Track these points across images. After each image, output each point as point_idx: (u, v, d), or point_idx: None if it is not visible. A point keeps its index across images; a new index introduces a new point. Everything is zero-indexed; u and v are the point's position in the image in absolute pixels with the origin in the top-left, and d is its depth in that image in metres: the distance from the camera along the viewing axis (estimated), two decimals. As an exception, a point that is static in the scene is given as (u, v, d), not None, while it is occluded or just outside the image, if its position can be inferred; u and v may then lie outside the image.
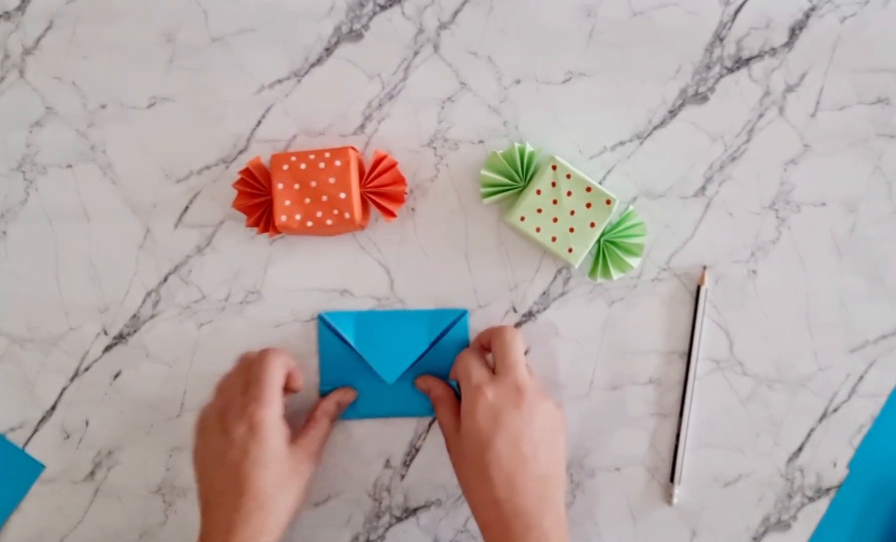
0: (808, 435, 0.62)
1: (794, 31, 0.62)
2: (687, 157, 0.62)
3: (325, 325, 0.61)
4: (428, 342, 0.61)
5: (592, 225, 0.59)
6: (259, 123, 0.62)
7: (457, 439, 0.56)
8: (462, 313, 0.61)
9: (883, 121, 0.61)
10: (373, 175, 0.60)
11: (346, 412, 0.62)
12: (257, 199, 0.60)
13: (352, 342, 0.61)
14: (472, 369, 0.56)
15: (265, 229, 0.60)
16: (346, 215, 0.58)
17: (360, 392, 0.62)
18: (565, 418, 0.57)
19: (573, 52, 0.62)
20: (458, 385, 0.58)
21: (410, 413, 0.62)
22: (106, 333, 0.63)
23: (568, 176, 0.59)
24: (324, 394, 0.62)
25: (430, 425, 0.63)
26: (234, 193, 0.61)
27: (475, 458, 0.53)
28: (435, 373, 0.61)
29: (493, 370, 0.56)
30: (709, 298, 0.62)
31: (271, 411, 0.54)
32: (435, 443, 0.62)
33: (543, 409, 0.55)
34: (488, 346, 0.58)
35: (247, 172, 0.60)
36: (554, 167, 0.59)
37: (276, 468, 0.54)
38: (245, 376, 0.57)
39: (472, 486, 0.54)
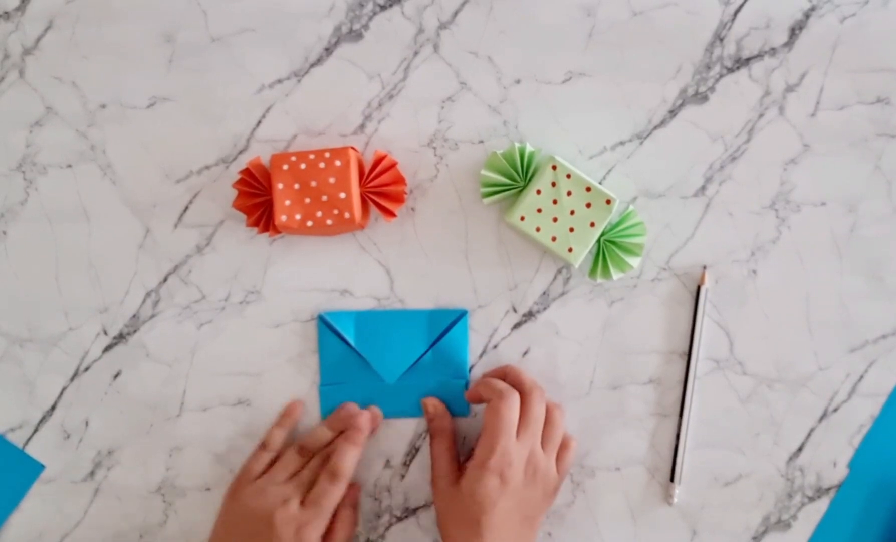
0: (809, 435, 0.62)
1: (794, 31, 0.62)
2: (687, 157, 0.62)
3: (325, 325, 0.61)
4: (428, 343, 0.61)
5: (592, 225, 0.59)
6: (259, 122, 0.62)
7: (450, 487, 0.57)
8: (462, 313, 0.61)
9: (883, 121, 0.61)
10: (373, 175, 0.60)
11: None
12: (257, 199, 0.60)
13: (352, 342, 0.61)
14: (507, 425, 0.56)
15: (265, 229, 0.60)
16: (346, 215, 0.58)
17: (361, 392, 0.61)
18: (557, 494, 0.59)
19: (573, 52, 0.62)
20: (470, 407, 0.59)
21: (410, 414, 0.62)
22: (106, 333, 0.63)
23: (568, 176, 0.59)
24: (324, 395, 0.61)
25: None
26: (234, 192, 0.61)
27: (471, 518, 0.55)
28: (433, 374, 0.61)
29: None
30: (709, 297, 0.62)
31: (316, 533, 0.55)
32: (435, 443, 0.62)
33: (543, 486, 0.57)
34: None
35: (247, 172, 0.60)
36: (554, 167, 0.59)
37: None
38: (311, 474, 0.58)
39: (454, 538, 0.56)
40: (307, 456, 0.59)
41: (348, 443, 0.58)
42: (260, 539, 0.55)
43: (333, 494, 0.56)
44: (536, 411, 0.57)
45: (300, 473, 0.58)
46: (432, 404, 0.61)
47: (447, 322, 0.61)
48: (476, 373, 0.62)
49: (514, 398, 0.57)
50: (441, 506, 0.58)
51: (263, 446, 0.60)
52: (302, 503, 0.56)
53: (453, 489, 0.57)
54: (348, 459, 0.57)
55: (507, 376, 0.60)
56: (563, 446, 0.59)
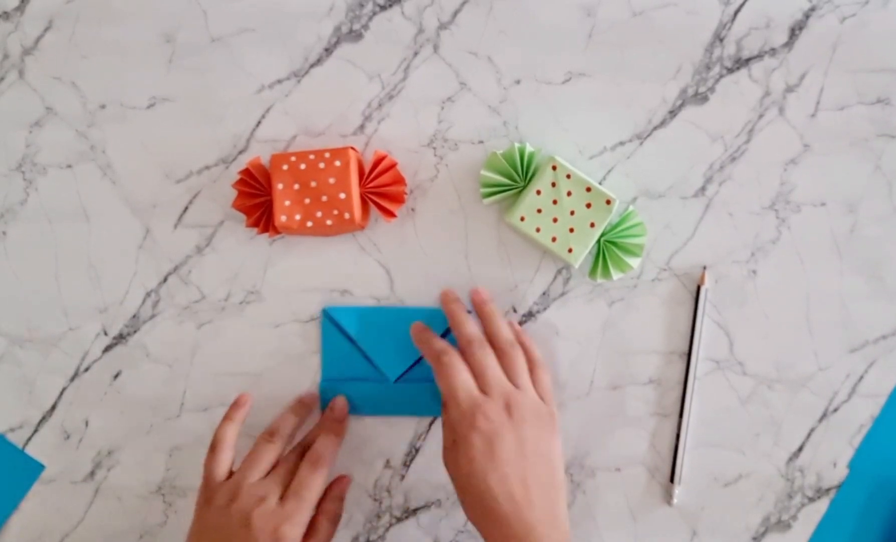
0: (808, 435, 0.62)
1: (794, 32, 0.62)
2: (687, 157, 0.62)
3: (329, 320, 0.61)
4: None
5: (592, 225, 0.59)
6: (259, 123, 0.62)
7: (454, 455, 0.54)
8: None
9: (883, 121, 0.61)
10: (373, 175, 0.60)
11: (349, 410, 0.61)
12: (257, 199, 0.60)
13: (354, 337, 0.61)
14: (458, 390, 0.54)
15: (265, 230, 0.60)
16: (346, 216, 0.58)
17: (362, 390, 0.61)
18: (555, 418, 0.56)
19: (573, 53, 0.62)
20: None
21: (411, 412, 0.62)
22: (106, 333, 0.63)
23: (568, 176, 0.59)
24: (324, 390, 0.61)
25: (430, 425, 0.63)
26: (234, 193, 0.61)
27: (475, 486, 0.52)
28: (425, 379, 0.61)
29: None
30: (709, 298, 0.62)
31: (297, 531, 0.53)
32: (435, 443, 0.62)
33: (534, 419, 0.54)
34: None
35: (246, 172, 0.60)
36: (554, 167, 0.59)
37: None
38: (285, 475, 0.55)
39: (475, 509, 0.53)
40: (278, 447, 0.57)
41: (328, 431, 0.58)
42: (232, 532, 0.52)
43: (315, 483, 0.54)
44: (479, 356, 0.55)
45: (276, 468, 0.56)
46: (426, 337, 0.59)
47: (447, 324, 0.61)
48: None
49: (449, 358, 0.55)
50: (452, 473, 0.54)
51: (269, 435, 0.57)
52: (281, 498, 0.53)
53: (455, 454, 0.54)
54: (330, 445, 0.56)
55: (453, 318, 0.58)
56: (533, 369, 0.57)
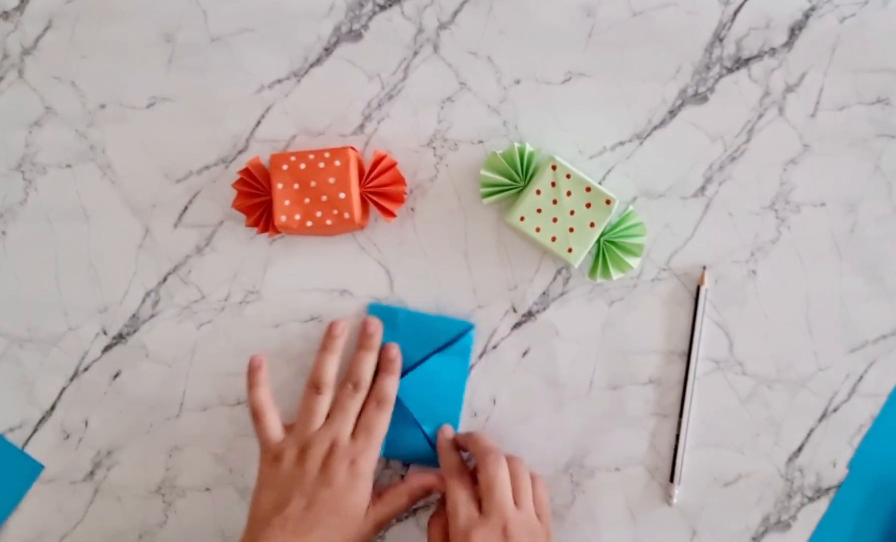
0: (808, 435, 0.62)
1: (794, 32, 0.62)
2: (687, 157, 0.62)
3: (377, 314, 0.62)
4: (429, 351, 0.61)
5: (592, 225, 0.59)
6: (258, 123, 0.62)
7: None
8: (468, 328, 0.61)
9: (883, 121, 0.61)
10: (372, 175, 0.60)
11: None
12: (257, 199, 0.60)
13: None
14: (459, 508, 0.54)
15: (265, 229, 0.60)
16: (346, 215, 0.58)
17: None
18: (552, 538, 0.56)
19: (573, 53, 0.62)
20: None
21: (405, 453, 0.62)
22: (105, 333, 0.63)
23: (568, 176, 0.59)
24: None
25: (429, 425, 0.63)
26: (234, 193, 0.61)
27: None
28: (427, 385, 0.61)
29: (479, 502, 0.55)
30: (708, 298, 0.62)
31: (373, 468, 0.55)
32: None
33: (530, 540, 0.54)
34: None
35: (246, 172, 0.60)
36: (554, 167, 0.59)
37: (352, 526, 0.54)
38: (345, 418, 0.57)
39: None
40: (328, 396, 0.58)
41: (384, 370, 0.59)
42: (312, 484, 0.54)
43: (383, 422, 0.57)
44: (492, 471, 0.55)
45: (332, 413, 0.57)
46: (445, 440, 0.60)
47: (452, 334, 0.61)
48: (475, 375, 0.62)
49: (457, 479, 0.56)
50: None
51: (316, 388, 0.58)
52: (351, 435, 0.56)
53: None
54: (392, 384, 0.59)
55: (463, 445, 0.59)
56: (534, 485, 0.57)
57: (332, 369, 0.59)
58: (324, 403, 0.58)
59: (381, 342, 0.61)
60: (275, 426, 0.57)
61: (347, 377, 0.59)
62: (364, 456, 0.56)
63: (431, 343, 0.61)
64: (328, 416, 0.58)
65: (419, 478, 0.59)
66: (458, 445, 0.60)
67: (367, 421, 0.57)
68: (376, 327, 0.60)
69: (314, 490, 0.54)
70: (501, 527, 0.53)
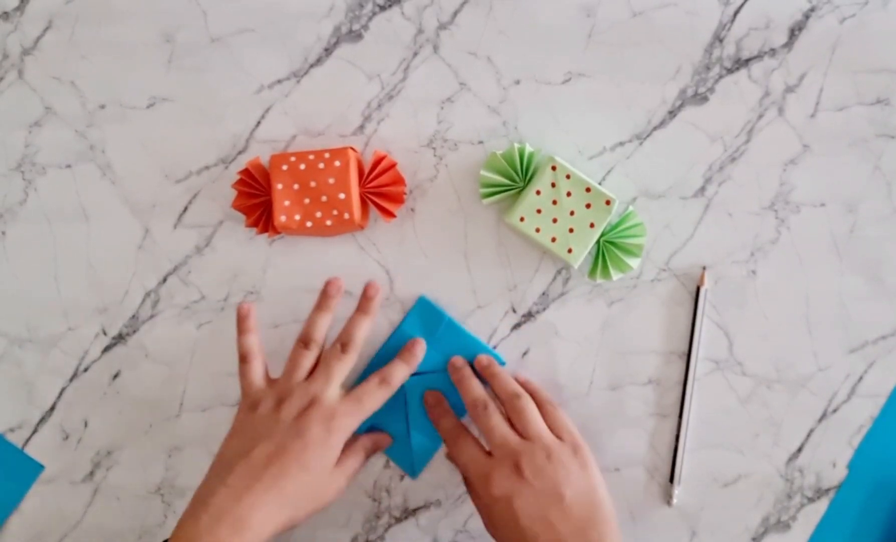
0: (808, 435, 0.62)
1: (794, 32, 0.62)
2: (686, 157, 0.62)
3: (421, 310, 0.62)
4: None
5: (592, 225, 0.59)
6: (258, 123, 0.62)
7: (489, 528, 0.55)
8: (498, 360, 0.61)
9: (882, 121, 0.61)
10: (372, 175, 0.60)
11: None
12: (256, 199, 0.60)
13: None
14: (468, 466, 0.56)
15: (264, 230, 0.60)
16: (346, 216, 0.58)
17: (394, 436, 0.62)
18: (582, 450, 0.56)
19: (573, 53, 0.62)
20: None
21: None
22: (105, 333, 0.63)
23: (567, 176, 0.59)
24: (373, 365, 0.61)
25: (429, 425, 0.63)
26: (234, 193, 0.61)
27: (500, 529, 0.54)
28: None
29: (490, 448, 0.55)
30: (708, 298, 0.62)
31: (349, 430, 0.55)
32: (434, 443, 0.62)
33: (553, 465, 0.54)
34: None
35: (246, 172, 0.60)
36: (553, 168, 0.59)
37: (316, 481, 0.53)
38: (330, 372, 0.56)
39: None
40: (315, 352, 0.57)
41: (400, 358, 0.59)
42: (275, 422, 0.53)
43: (377, 398, 0.56)
44: (483, 419, 0.56)
45: (318, 366, 0.56)
46: (433, 395, 0.61)
47: (420, 319, 0.61)
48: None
49: (455, 435, 0.57)
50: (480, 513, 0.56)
51: (304, 343, 0.57)
52: (342, 398, 0.55)
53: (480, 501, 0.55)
54: (402, 370, 0.58)
55: (459, 385, 0.60)
56: (544, 410, 0.57)
57: (322, 326, 0.58)
58: (309, 358, 0.57)
59: (417, 339, 0.61)
60: (258, 373, 0.57)
61: (338, 338, 0.58)
62: (343, 417, 0.54)
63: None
64: (311, 372, 0.57)
65: (370, 436, 0.60)
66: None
67: (361, 391, 0.56)
68: (375, 292, 0.59)
69: (283, 439, 0.53)
70: (513, 464, 0.54)
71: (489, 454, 0.55)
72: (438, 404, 0.60)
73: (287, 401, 0.55)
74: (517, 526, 0.52)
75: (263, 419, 0.54)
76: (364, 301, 0.59)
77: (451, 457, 0.59)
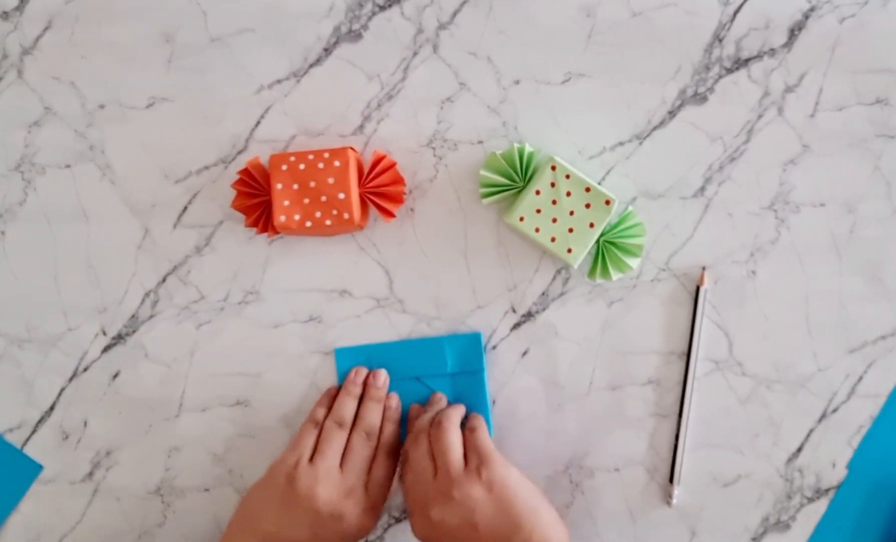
0: (808, 436, 0.62)
1: (794, 32, 0.62)
2: (686, 157, 0.62)
3: (343, 358, 0.62)
4: (443, 372, 0.62)
5: (591, 225, 0.58)
6: (258, 123, 0.62)
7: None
8: (475, 337, 0.61)
9: (882, 121, 0.61)
10: (372, 175, 0.60)
11: None
12: (256, 199, 0.60)
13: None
14: (415, 522, 0.56)
15: (264, 230, 0.60)
16: (345, 216, 0.58)
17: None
18: (493, 471, 0.55)
19: (572, 53, 0.62)
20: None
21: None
22: (104, 333, 0.63)
23: (567, 176, 0.59)
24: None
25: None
26: (233, 193, 0.61)
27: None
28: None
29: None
30: (708, 298, 0.62)
31: (372, 522, 0.57)
32: (434, 444, 0.62)
33: (465, 478, 0.55)
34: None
35: (246, 172, 0.60)
36: (553, 168, 0.59)
37: None
38: (361, 453, 0.57)
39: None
40: (346, 431, 0.59)
41: (372, 401, 0.60)
42: (327, 531, 0.55)
43: (388, 472, 0.58)
44: (418, 455, 0.57)
45: (351, 455, 0.57)
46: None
47: (461, 347, 0.61)
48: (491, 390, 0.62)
49: (404, 469, 0.58)
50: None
51: (313, 422, 0.59)
52: (365, 485, 0.57)
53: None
54: (375, 414, 0.60)
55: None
56: (468, 426, 0.58)
57: (352, 409, 0.60)
58: (342, 439, 0.58)
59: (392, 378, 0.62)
60: (312, 440, 0.58)
61: (359, 425, 0.59)
62: (378, 507, 0.57)
63: (444, 365, 0.61)
64: (343, 459, 0.57)
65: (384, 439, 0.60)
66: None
67: (377, 473, 0.58)
68: (384, 382, 0.61)
69: (321, 530, 0.55)
70: (425, 512, 0.55)
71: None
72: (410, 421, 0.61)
73: (322, 486, 0.55)
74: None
75: (302, 501, 0.55)
76: (373, 389, 0.60)
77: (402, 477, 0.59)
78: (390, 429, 0.60)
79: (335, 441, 0.57)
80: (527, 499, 0.54)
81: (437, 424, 0.57)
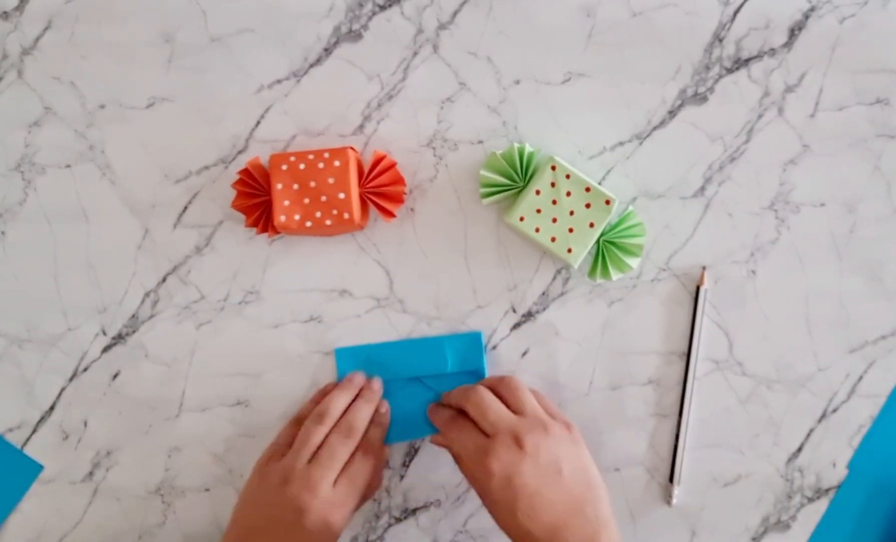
0: (808, 435, 0.62)
1: (794, 32, 0.62)
2: (686, 157, 0.62)
3: (343, 358, 0.62)
4: (442, 371, 0.61)
5: (592, 225, 0.59)
6: (258, 123, 0.62)
7: (488, 506, 0.54)
8: (476, 336, 0.61)
9: (882, 121, 0.61)
10: (372, 175, 0.60)
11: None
12: (256, 199, 0.60)
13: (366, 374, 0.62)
14: (465, 443, 0.55)
15: (264, 230, 0.60)
16: (346, 216, 0.58)
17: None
18: (573, 429, 0.55)
19: (572, 53, 0.62)
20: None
21: (412, 436, 0.62)
22: (105, 333, 0.63)
23: (567, 176, 0.59)
24: None
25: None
26: (233, 193, 0.61)
27: (511, 531, 0.52)
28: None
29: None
30: (708, 298, 0.62)
31: (345, 519, 0.55)
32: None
33: (549, 440, 0.53)
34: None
35: (246, 172, 0.60)
36: (553, 167, 0.59)
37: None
38: (332, 450, 0.56)
39: (495, 517, 0.53)
40: (327, 426, 0.58)
41: (364, 401, 0.59)
42: (288, 527, 0.53)
43: (367, 471, 0.56)
44: (476, 400, 0.56)
45: (325, 451, 0.56)
46: (439, 440, 0.59)
47: (461, 347, 0.61)
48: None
49: (451, 422, 0.57)
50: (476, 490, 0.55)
51: (297, 419, 0.59)
52: (334, 483, 0.55)
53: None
54: (362, 414, 0.58)
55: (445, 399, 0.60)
56: (536, 397, 0.57)
57: (341, 407, 0.59)
58: (320, 435, 0.57)
59: (391, 380, 0.62)
60: (291, 437, 0.58)
61: (343, 422, 0.58)
62: (341, 508, 0.55)
63: (443, 364, 0.61)
64: (315, 453, 0.56)
65: (371, 432, 0.59)
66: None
67: (353, 471, 0.56)
68: (380, 386, 0.61)
69: (285, 528, 0.54)
70: (512, 437, 0.53)
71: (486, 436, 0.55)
72: (436, 407, 0.60)
73: (290, 483, 0.54)
74: (516, 503, 0.52)
75: (269, 495, 0.55)
76: (368, 391, 0.60)
77: (440, 442, 0.57)
78: (375, 433, 0.59)
79: (311, 437, 0.56)
80: (598, 474, 0.54)
81: (508, 377, 0.57)
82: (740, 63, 0.62)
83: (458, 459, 0.56)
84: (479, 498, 0.55)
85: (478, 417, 0.55)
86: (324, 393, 0.61)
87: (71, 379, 0.63)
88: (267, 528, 0.54)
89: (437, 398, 0.61)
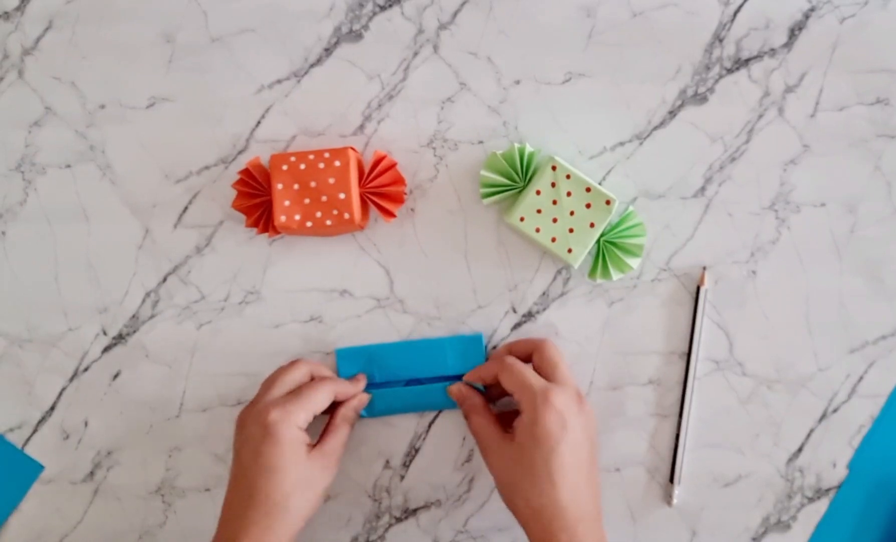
0: (808, 435, 0.62)
1: (794, 32, 0.62)
2: (686, 157, 0.62)
3: (343, 358, 0.62)
4: (444, 373, 0.61)
5: (592, 225, 0.59)
6: (258, 123, 0.62)
7: (505, 446, 0.55)
8: (477, 339, 0.61)
9: (882, 121, 0.61)
10: (372, 175, 0.60)
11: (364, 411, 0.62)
12: (257, 199, 0.60)
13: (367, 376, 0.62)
14: (530, 377, 0.55)
15: (264, 230, 0.60)
16: (346, 216, 0.58)
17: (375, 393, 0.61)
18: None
19: (573, 53, 0.62)
20: (488, 390, 0.58)
21: (426, 408, 0.62)
22: (105, 333, 0.63)
23: (567, 176, 0.59)
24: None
25: (429, 426, 0.63)
26: (234, 193, 0.61)
27: (539, 464, 0.52)
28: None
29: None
30: (708, 298, 0.62)
31: (288, 417, 0.54)
32: (435, 444, 0.62)
33: (592, 419, 0.55)
34: (523, 356, 0.58)
35: (246, 172, 0.60)
36: (553, 168, 0.59)
37: (289, 475, 0.53)
38: (286, 383, 0.57)
39: (527, 492, 0.53)
40: (308, 372, 0.58)
41: (345, 385, 0.60)
42: (259, 443, 0.54)
43: (319, 395, 0.56)
44: (519, 366, 0.56)
45: (301, 390, 0.56)
46: (456, 388, 0.60)
47: (462, 349, 0.61)
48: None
49: (512, 364, 0.57)
50: (502, 464, 0.55)
51: (293, 363, 0.59)
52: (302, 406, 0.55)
53: (510, 445, 0.54)
54: (337, 386, 0.58)
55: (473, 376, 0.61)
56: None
57: (318, 369, 0.59)
58: (292, 376, 0.57)
59: (392, 380, 0.62)
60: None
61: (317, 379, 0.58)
62: (276, 409, 0.54)
63: (445, 366, 0.61)
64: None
65: (346, 404, 0.59)
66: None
67: (304, 388, 0.56)
68: (362, 381, 0.61)
69: (242, 459, 0.54)
70: (574, 393, 0.55)
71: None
72: (463, 396, 0.60)
73: (262, 403, 0.55)
74: (560, 444, 0.52)
75: (240, 429, 0.55)
76: (352, 385, 0.60)
77: (507, 380, 0.56)
78: (347, 412, 0.59)
79: (288, 375, 0.57)
80: None
81: (542, 341, 0.58)
82: (740, 63, 0.62)
83: (517, 386, 0.55)
84: (490, 468, 0.56)
85: (548, 366, 0.56)
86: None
87: (71, 379, 0.63)
88: (241, 450, 0.54)
89: (437, 399, 0.61)
